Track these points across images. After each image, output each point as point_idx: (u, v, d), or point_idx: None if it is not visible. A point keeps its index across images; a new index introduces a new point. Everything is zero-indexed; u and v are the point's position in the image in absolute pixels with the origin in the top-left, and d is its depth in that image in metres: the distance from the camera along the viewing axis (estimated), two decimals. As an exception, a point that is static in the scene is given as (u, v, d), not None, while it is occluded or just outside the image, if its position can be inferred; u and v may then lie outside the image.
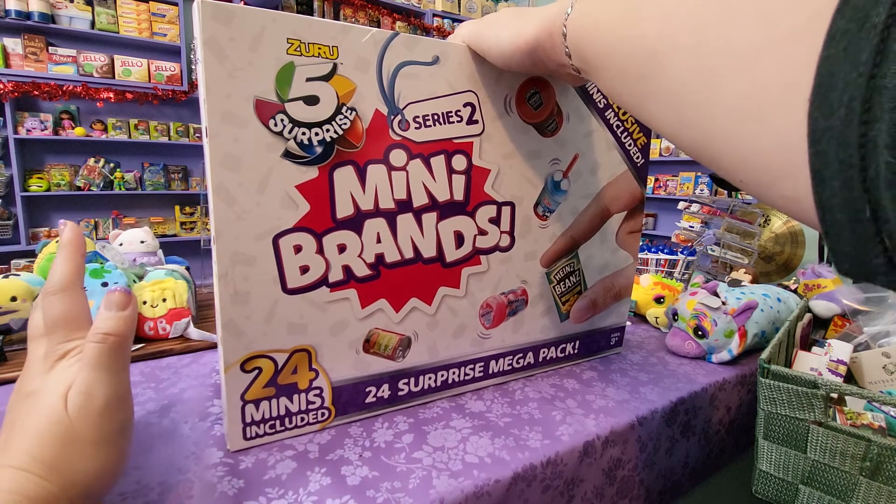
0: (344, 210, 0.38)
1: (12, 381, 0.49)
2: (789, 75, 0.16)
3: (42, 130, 2.66)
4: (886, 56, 0.13)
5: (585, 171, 0.51)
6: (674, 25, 0.21)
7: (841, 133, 0.14)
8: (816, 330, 0.71)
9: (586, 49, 0.29)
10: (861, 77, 0.13)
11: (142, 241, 0.76)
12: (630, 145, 0.54)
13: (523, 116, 0.46)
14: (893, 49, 0.13)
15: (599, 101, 0.50)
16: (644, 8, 0.23)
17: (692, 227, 1.07)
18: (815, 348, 0.60)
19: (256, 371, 0.37)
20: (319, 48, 0.35)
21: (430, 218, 0.42)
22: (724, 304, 0.60)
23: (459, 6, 3.72)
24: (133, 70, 2.82)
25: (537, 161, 0.48)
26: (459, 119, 0.42)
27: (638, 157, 0.55)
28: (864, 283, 0.67)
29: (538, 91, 0.46)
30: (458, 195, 0.44)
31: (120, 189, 2.89)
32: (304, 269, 0.38)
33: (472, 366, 0.49)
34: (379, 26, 3.42)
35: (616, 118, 0.52)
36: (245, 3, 2.71)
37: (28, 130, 2.63)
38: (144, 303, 0.59)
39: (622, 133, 0.53)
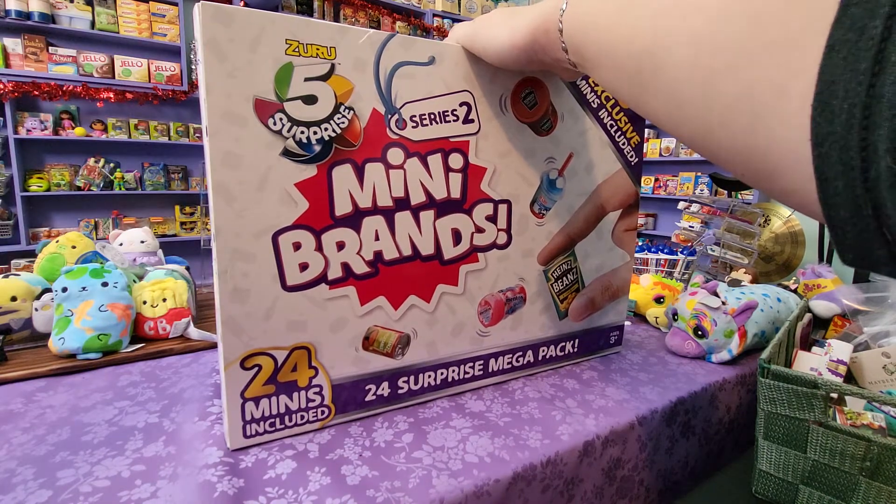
0: (342, 208, 0.38)
1: (12, 381, 0.49)
2: (785, 79, 0.17)
3: (42, 130, 2.66)
4: (884, 67, 0.13)
5: (580, 170, 0.51)
6: (669, 24, 0.22)
7: (843, 138, 0.15)
8: (816, 330, 0.71)
9: (582, 45, 0.29)
10: (861, 86, 0.14)
11: (142, 241, 0.76)
12: (624, 144, 0.54)
13: (518, 116, 0.46)
14: (891, 59, 0.13)
15: (593, 101, 0.50)
16: (638, 5, 0.23)
17: (692, 227, 1.06)
18: (815, 348, 0.60)
19: (256, 368, 0.37)
20: (317, 49, 0.35)
21: (427, 216, 0.43)
22: (724, 303, 0.60)
23: (459, 6, 3.72)
24: (133, 70, 2.82)
25: (533, 159, 0.48)
26: (456, 118, 0.42)
27: (632, 156, 0.55)
28: (863, 283, 0.67)
29: (533, 91, 0.46)
30: (455, 193, 0.44)
31: (120, 189, 2.88)
32: (304, 267, 0.38)
33: (471, 364, 0.49)
34: (379, 26, 3.42)
35: (609, 118, 0.52)
36: (245, 4, 2.71)
37: (28, 130, 2.63)
38: (144, 303, 0.59)
39: (616, 132, 0.53)
